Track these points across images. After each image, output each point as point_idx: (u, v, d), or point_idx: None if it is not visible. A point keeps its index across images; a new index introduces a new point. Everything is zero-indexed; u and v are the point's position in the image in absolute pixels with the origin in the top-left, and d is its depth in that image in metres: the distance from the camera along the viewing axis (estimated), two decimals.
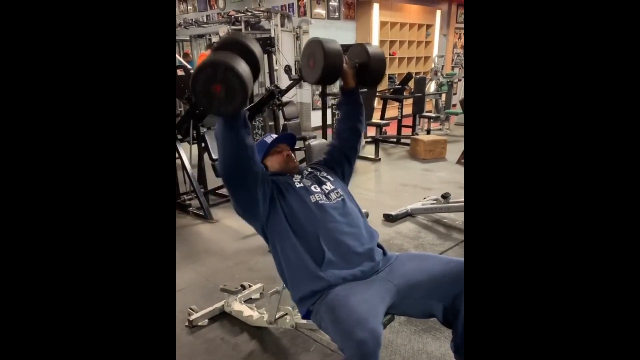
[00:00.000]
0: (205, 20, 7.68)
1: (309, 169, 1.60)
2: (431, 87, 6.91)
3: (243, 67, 1.11)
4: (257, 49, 1.28)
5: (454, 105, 7.43)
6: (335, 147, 1.64)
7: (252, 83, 1.13)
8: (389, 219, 3.19)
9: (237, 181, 1.31)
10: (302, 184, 1.46)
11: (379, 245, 1.45)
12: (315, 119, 6.68)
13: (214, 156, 3.38)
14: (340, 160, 1.63)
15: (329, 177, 1.55)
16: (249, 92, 1.10)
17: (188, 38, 8.27)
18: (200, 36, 8.01)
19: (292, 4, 6.69)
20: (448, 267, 1.31)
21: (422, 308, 1.32)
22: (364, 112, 1.62)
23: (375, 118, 5.94)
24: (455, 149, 5.13)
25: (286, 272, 1.39)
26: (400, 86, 6.11)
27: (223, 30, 6.46)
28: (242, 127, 1.22)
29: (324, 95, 4.99)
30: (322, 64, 1.41)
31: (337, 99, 5.14)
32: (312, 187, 1.46)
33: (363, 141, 1.62)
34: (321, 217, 1.37)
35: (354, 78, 1.54)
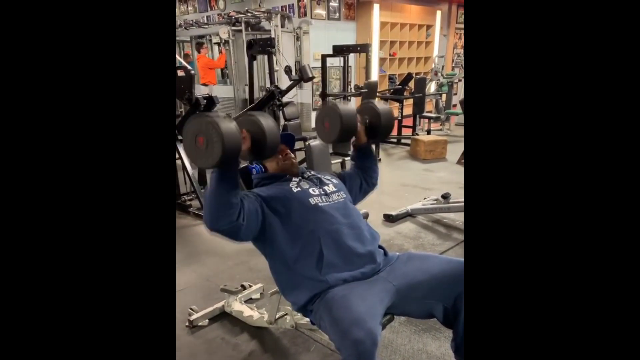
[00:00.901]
0: (205, 21, 7.69)
1: (312, 172, 1.59)
2: (431, 87, 6.91)
3: (227, 125, 1.14)
4: (267, 120, 1.31)
5: (454, 106, 7.43)
6: (353, 171, 1.66)
7: (237, 140, 1.16)
8: (389, 219, 3.19)
9: (225, 233, 1.28)
10: (299, 188, 1.44)
11: (380, 247, 1.45)
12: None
13: None
14: (356, 180, 1.64)
15: (333, 180, 1.54)
16: (227, 148, 1.12)
17: (189, 39, 8.27)
18: (201, 37, 8.02)
19: (292, 4, 6.69)
20: (448, 267, 1.31)
21: (422, 308, 1.32)
22: (377, 164, 1.71)
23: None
24: (456, 150, 5.13)
25: (283, 286, 1.39)
26: (400, 87, 6.11)
27: (223, 31, 6.46)
28: (230, 188, 1.21)
29: (324, 96, 4.99)
30: (339, 127, 1.49)
31: (338, 99, 5.15)
32: (311, 190, 1.44)
33: (375, 188, 1.72)
34: (321, 220, 1.36)
35: (365, 134, 1.61)
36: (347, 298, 1.19)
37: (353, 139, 1.62)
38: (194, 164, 1.26)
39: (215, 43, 8.14)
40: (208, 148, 1.14)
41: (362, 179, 1.64)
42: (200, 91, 5.52)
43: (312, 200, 1.40)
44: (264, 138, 1.28)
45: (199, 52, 7.61)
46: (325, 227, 1.35)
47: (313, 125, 6.80)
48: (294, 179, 1.50)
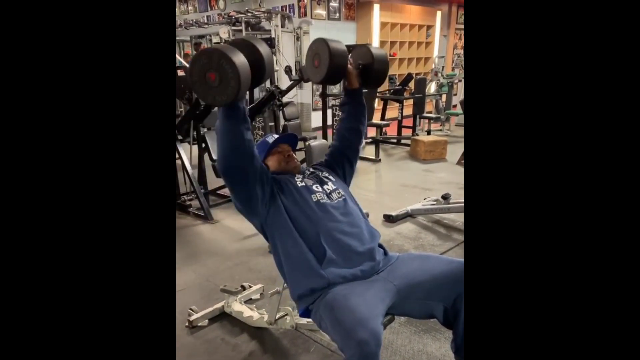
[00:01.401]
0: (205, 21, 7.69)
1: (311, 169, 1.60)
2: (431, 87, 6.91)
3: (238, 57, 1.11)
4: (261, 45, 1.29)
5: (454, 106, 7.43)
6: (336, 148, 1.65)
7: (249, 73, 1.13)
8: (389, 219, 3.19)
9: (235, 175, 1.32)
10: (304, 183, 1.47)
11: (380, 246, 1.45)
12: (316, 119, 6.68)
13: (214, 157, 3.38)
14: (342, 161, 1.64)
15: (330, 177, 1.55)
16: (242, 80, 1.10)
17: (188, 38, 8.28)
18: (201, 36, 8.02)
19: (293, 4, 6.70)
20: (449, 268, 1.30)
21: (422, 308, 1.32)
22: (366, 112, 1.65)
23: (376, 119, 5.95)
24: (456, 150, 5.13)
25: (286, 268, 1.38)
26: (400, 87, 6.12)
27: (223, 30, 6.46)
28: (241, 120, 1.23)
29: (324, 95, 4.99)
30: (328, 63, 1.42)
31: (338, 99, 5.16)
32: (314, 187, 1.46)
33: (363, 142, 1.65)
34: (322, 216, 1.37)
35: (357, 78, 1.56)
36: (348, 298, 1.19)
37: (344, 82, 1.58)
38: (204, 100, 1.23)
39: (215, 43, 8.14)
40: (222, 84, 1.10)
41: (346, 154, 1.63)
42: None
43: (315, 197, 1.42)
44: (262, 65, 1.26)
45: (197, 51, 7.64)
46: (326, 224, 1.36)
47: (313, 125, 6.81)
48: (297, 175, 1.52)
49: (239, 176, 1.31)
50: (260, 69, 1.27)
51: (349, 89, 1.59)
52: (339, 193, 1.48)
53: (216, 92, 1.13)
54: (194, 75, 1.13)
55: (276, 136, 1.63)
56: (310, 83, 6.13)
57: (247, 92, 1.37)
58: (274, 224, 1.40)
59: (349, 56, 1.53)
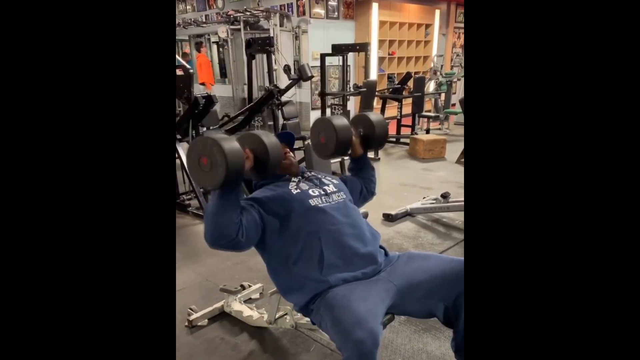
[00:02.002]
0: (204, 20, 7.68)
1: (313, 172, 1.58)
2: (430, 86, 6.90)
3: (230, 146, 1.15)
4: (268, 137, 1.32)
5: (453, 105, 7.43)
6: (353, 180, 1.66)
7: (240, 161, 1.17)
8: (389, 218, 3.19)
9: (226, 250, 1.29)
10: (299, 190, 1.42)
11: (381, 247, 1.45)
12: (315, 118, 6.67)
13: None
14: (359, 187, 1.65)
15: (333, 180, 1.54)
16: (230, 167, 1.12)
17: (187, 38, 8.26)
18: (200, 36, 8.01)
19: (291, 3, 6.68)
20: (449, 267, 1.30)
21: (423, 308, 1.32)
22: (375, 173, 1.72)
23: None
24: (455, 149, 5.13)
25: (284, 289, 1.39)
26: (399, 86, 6.11)
27: (222, 30, 6.46)
28: (232, 207, 1.21)
29: (323, 95, 4.99)
30: (335, 140, 1.52)
31: (337, 98, 5.15)
32: (310, 191, 1.43)
33: (373, 197, 1.75)
34: (321, 220, 1.36)
35: (360, 146, 1.63)
36: (348, 298, 1.19)
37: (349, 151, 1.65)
38: (198, 185, 1.27)
39: (213, 42, 8.13)
40: (212, 169, 1.15)
41: (362, 185, 1.66)
42: (199, 90, 5.50)
43: (312, 202, 1.39)
44: (266, 156, 1.29)
45: (198, 51, 7.59)
46: (326, 228, 1.34)
47: (312, 124, 6.80)
48: (293, 179, 1.49)
49: (228, 249, 1.28)
50: (265, 160, 1.30)
51: (355, 157, 1.66)
52: (339, 195, 1.46)
53: (206, 177, 1.18)
54: (191, 158, 1.19)
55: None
56: (309, 82, 6.12)
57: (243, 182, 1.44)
58: (270, 250, 1.39)
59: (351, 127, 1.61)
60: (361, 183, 1.66)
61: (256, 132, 1.36)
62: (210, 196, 1.24)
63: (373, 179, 1.70)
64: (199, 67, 7.29)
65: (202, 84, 7.26)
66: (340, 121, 1.56)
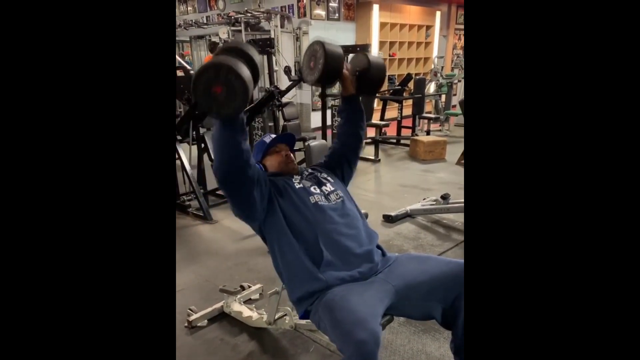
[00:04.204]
0: (205, 22, 7.68)
1: (310, 170, 1.60)
2: (431, 88, 6.91)
3: (245, 70, 1.13)
4: (255, 55, 1.30)
5: (454, 106, 7.43)
6: (336, 150, 1.65)
7: (253, 86, 1.15)
8: (389, 219, 3.19)
9: (233, 184, 1.31)
10: (301, 185, 1.46)
11: (379, 247, 1.45)
12: (315, 120, 6.68)
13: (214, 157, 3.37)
14: (341, 163, 1.64)
15: (329, 178, 1.55)
16: (249, 94, 1.12)
17: (188, 39, 8.26)
18: (200, 37, 8.01)
19: (292, 5, 6.70)
20: (448, 269, 1.30)
21: (421, 309, 1.32)
22: (364, 117, 1.65)
23: (375, 119, 5.95)
24: (455, 150, 5.13)
25: (284, 272, 1.39)
26: (400, 87, 6.11)
27: (223, 31, 6.46)
28: (239, 131, 1.23)
29: (323, 96, 4.99)
30: (322, 65, 1.43)
31: (338, 99, 5.16)
32: (312, 188, 1.46)
33: (363, 145, 1.67)
34: (320, 218, 1.37)
35: (353, 85, 1.57)
36: (346, 299, 1.19)
37: (341, 88, 1.60)
38: (207, 112, 1.23)
39: (212, 42, 8.10)
40: (228, 97, 1.11)
41: (346, 156, 1.64)
42: None
43: (312, 199, 1.42)
44: (257, 73, 1.27)
45: (212, 52, 7.32)
46: (324, 227, 1.36)
47: (312, 125, 6.81)
48: (295, 176, 1.52)
49: (237, 183, 1.30)
50: (256, 77, 1.28)
51: (345, 95, 1.60)
52: (337, 194, 1.48)
53: (220, 105, 1.13)
54: (199, 88, 1.13)
55: (274, 136, 1.63)
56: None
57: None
58: (272, 227, 1.40)
59: (347, 62, 1.55)
60: (345, 151, 1.63)
61: (239, 45, 1.32)
62: (215, 126, 1.24)
63: (363, 121, 1.65)
64: None
65: None
66: (334, 48, 1.46)
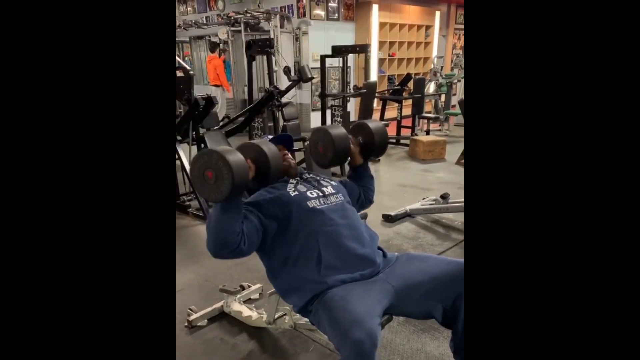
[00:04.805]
0: (204, 22, 7.68)
1: (311, 175, 1.59)
2: (430, 88, 6.91)
3: (236, 159, 1.15)
4: (268, 147, 1.34)
5: (453, 106, 7.43)
6: (353, 185, 1.66)
7: (244, 175, 1.17)
8: (388, 219, 3.19)
9: (225, 257, 1.31)
10: (297, 192, 1.42)
11: (379, 248, 1.45)
12: (315, 120, 6.68)
13: None
14: (352, 192, 1.64)
15: (332, 182, 1.54)
16: (236, 181, 1.13)
17: (187, 39, 8.26)
18: (200, 37, 8.01)
19: (292, 5, 6.69)
20: (448, 268, 1.31)
21: (421, 309, 1.32)
22: (374, 182, 1.72)
23: (375, 119, 5.95)
24: (455, 150, 5.14)
25: (284, 289, 1.40)
26: (399, 87, 6.12)
27: (222, 31, 6.46)
28: (233, 217, 1.22)
29: (323, 96, 4.99)
30: (332, 149, 1.53)
31: (337, 100, 5.16)
32: (308, 193, 1.43)
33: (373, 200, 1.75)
34: (319, 222, 1.36)
35: (360, 155, 1.63)
36: (346, 299, 1.19)
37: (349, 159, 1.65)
38: (202, 197, 1.27)
39: (212, 42, 8.10)
40: (217, 182, 1.15)
41: (360, 192, 1.66)
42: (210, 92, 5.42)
43: (310, 204, 1.39)
44: (268, 165, 1.30)
45: (212, 52, 7.08)
46: (324, 229, 1.35)
47: (312, 125, 6.81)
48: (291, 180, 1.50)
49: (232, 257, 1.30)
50: (267, 170, 1.32)
51: (355, 166, 1.65)
52: (337, 197, 1.47)
53: (211, 190, 1.17)
54: (194, 171, 1.19)
55: (270, 137, 1.62)
56: (309, 83, 6.13)
57: (246, 192, 1.46)
58: (269, 252, 1.39)
59: (351, 137, 1.61)
60: (360, 190, 1.66)
61: (256, 141, 1.37)
62: (212, 208, 1.24)
63: (372, 187, 1.70)
64: (213, 69, 6.92)
65: (215, 85, 7.01)
66: (338, 130, 1.56)
